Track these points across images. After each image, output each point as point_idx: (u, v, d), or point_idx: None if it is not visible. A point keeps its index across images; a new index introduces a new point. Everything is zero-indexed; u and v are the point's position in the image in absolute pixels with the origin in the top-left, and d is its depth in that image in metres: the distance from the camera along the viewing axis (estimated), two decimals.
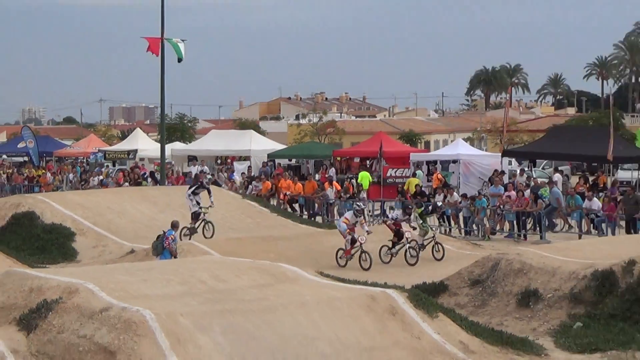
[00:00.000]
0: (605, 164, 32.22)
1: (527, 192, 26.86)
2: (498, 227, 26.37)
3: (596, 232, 25.19)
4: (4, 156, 48.75)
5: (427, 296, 14.16)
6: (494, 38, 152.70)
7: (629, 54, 71.83)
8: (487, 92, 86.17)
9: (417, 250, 19.25)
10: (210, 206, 21.11)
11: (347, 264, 18.88)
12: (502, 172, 30.44)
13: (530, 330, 14.68)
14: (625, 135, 40.51)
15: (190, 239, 19.88)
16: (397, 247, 19.32)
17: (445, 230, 25.90)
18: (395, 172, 34.23)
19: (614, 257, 15.76)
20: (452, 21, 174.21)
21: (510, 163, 35.45)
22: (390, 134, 48.42)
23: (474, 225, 26.60)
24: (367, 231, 18.98)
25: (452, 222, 27.10)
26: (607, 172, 32.67)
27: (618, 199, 25.99)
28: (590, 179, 32.36)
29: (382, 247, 19.31)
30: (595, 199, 26.09)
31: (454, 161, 34.47)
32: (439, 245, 19.48)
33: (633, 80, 72.57)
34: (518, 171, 32.83)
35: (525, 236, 25.74)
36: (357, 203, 23.67)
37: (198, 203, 20.95)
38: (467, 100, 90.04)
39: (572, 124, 53.24)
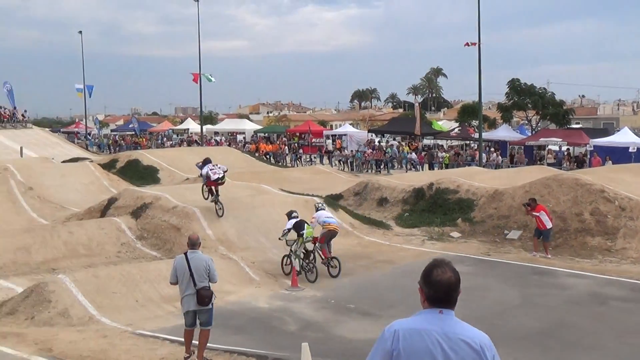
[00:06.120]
0: (417, 135, 49.49)
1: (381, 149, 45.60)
2: (366, 167, 43.66)
3: (414, 169, 41.08)
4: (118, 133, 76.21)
5: (333, 200, 22.76)
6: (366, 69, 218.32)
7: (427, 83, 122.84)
8: (360, 101, 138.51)
9: None
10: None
11: None
12: (373, 141, 51.30)
13: (383, 217, 22.50)
14: (426, 122, 57.47)
15: None
16: None
17: (342, 168, 43.78)
18: (316, 140, 56.08)
19: (422, 182, 24.26)
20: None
21: (372, 135, 56.11)
22: (313, 120, 76.62)
23: (355, 165, 44.42)
24: None
25: (343, 165, 45.33)
26: (418, 140, 50.29)
27: (424, 154, 44.27)
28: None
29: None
30: (413, 153, 44.18)
31: (345, 134, 55.71)
32: None
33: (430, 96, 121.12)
34: (376, 139, 53.84)
35: (379, 171, 42.21)
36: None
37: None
38: (350, 104, 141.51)
39: (401, 117, 77.00)
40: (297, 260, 15.34)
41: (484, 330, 3.44)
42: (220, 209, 19.11)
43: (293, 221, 15.74)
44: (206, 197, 19.43)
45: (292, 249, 15.43)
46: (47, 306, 12.16)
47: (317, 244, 15.90)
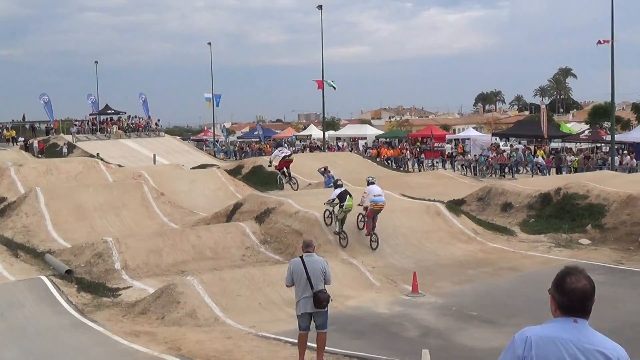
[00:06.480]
0: (544, 138, 48.01)
1: (505, 153, 44.50)
2: (490, 172, 42.41)
3: (540, 174, 39.15)
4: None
5: (455, 205, 22.49)
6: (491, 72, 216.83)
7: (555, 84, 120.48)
8: (484, 104, 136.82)
9: None
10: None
11: None
12: (497, 145, 49.84)
13: (507, 223, 21.82)
14: (554, 124, 58.01)
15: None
16: None
17: (465, 173, 42.78)
18: (438, 144, 56.12)
19: (549, 186, 23.48)
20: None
21: (496, 139, 54.34)
22: (436, 125, 76.26)
23: (478, 170, 43.21)
24: None
25: (466, 169, 44.51)
26: (546, 143, 48.24)
27: (551, 157, 42.03)
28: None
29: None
30: (540, 157, 41.86)
31: (468, 138, 55.12)
32: None
33: (558, 97, 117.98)
34: (500, 143, 52.78)
35: (504, 176, 40.52)
36: None
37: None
38: (474, 107, 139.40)
39: (527, 119, 72.41)
40: (337, 223, 17.73)
41: (617, 343, 3.28)
42: (295, 183, 22.54)
43: (338, 191, 17.81)
44: (282, 188, 22.10)
45: (334, 211, 17.81)
46: (176, 307, 12.70)
47: (363, 214, 17.81)
